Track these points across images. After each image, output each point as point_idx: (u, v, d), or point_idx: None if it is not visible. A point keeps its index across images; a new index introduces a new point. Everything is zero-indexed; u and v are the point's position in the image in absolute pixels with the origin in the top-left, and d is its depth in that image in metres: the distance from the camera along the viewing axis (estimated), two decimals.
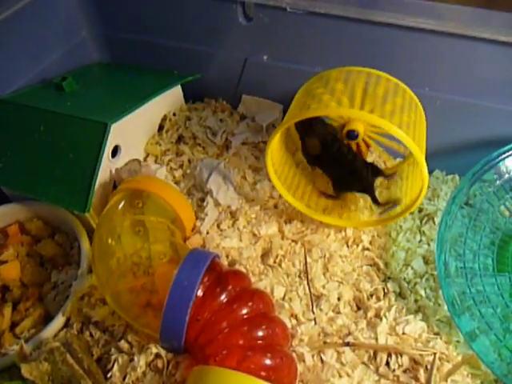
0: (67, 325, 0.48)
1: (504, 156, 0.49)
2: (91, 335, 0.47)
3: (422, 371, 0.43)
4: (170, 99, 0.66)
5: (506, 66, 0.52)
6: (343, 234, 0.54)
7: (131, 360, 0.44)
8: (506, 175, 0.49)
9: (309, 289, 0.50)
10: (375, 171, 0.53)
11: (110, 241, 0.48)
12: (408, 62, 0.55)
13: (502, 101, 0.54)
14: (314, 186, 0.57)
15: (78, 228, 0.53)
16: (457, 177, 0.61)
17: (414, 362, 0.44)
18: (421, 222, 0.56)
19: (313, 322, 0.47)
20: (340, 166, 0.52)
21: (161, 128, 0.66)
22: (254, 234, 0.55)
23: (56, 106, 0.55)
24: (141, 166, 0.57)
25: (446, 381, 0.43)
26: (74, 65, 0.68)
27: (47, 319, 0.49)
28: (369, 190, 0.52)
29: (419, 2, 0.51)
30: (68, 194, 0.52)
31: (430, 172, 0.61)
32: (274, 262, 0.52)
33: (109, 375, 0.44)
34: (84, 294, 0.49)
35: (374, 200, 0.52)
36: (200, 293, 0.42)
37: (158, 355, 0.44)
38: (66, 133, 0.53)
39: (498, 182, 0.49)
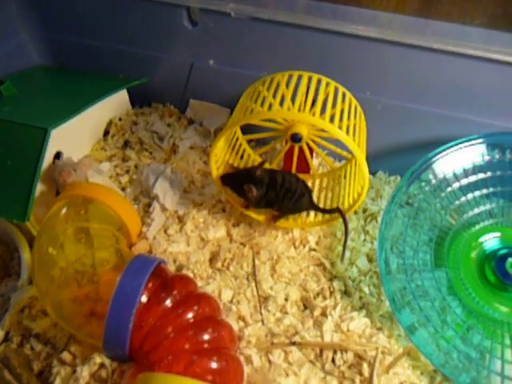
0: (6, 339, 0.46)
1: (439, 156, 0.51)
2: (32, 348, 0.45)
3: (365, 366, 0.45)
4: (115, 104, 0.65)
5: (441, 72, 0.55)
6: (290, 235, 0.55)
7: (74, 372, 0.43)
8: (441, 174, 0.51)
9: (257, 291, 0.50)
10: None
11: (50, 250, 0.47)
12: (350, 67, 0.57)
13: (438, 105, 0.57)
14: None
15: (17, 238, 0.51)
16: (399, 178, 0.63)
17: (359, 357, 0.45)
18: (365, 221, 0.58)
19: (260, 323, 0.48)
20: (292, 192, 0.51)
21: (106, 133, 0.64)
22: (202, 238, 0.54)
23: None
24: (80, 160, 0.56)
25: (388, 373, 0.44)
26: (12, 68, 0.65)
27: None
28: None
29: (361, 11, 0.53)
30: (6, 202, 0.50)
31: (374, 173, 0.64)
32: (222, 265, 0.52)
33: None
34: (24, 305, 0.47)
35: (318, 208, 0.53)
36: (144, 299, 0.41)
37: (102, 365, 0.43)
38: (4, 139, 0.51)
39: (434, 181, 0.51)
